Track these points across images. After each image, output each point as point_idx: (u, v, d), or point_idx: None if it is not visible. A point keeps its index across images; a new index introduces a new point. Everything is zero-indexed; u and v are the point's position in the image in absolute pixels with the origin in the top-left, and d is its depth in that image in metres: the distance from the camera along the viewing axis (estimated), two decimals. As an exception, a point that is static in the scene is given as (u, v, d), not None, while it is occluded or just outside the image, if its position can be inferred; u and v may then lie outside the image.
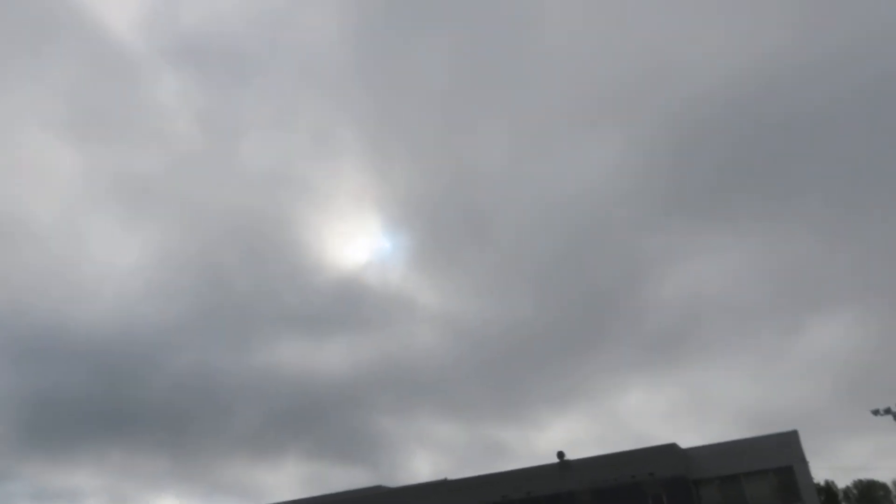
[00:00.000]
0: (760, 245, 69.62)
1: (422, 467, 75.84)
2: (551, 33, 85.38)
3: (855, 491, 61.30)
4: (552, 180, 79.28)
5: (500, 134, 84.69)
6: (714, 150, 77.31)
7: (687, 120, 78.01)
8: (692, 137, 77.61)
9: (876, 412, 33.00)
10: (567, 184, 79.05)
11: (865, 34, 74.54)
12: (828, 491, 57.73)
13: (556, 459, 30.09)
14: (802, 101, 73.22)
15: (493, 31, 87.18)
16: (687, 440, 47.09)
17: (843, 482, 61.50)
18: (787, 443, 27.04)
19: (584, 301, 72.51)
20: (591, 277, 72.09)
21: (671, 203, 74.38)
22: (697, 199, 75.49)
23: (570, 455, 30.07)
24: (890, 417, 32.47)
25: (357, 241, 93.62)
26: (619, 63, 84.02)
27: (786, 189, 70.64)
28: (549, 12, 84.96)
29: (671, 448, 27.98)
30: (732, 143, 76.14)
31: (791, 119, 72.16)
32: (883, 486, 60.16)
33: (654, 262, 70.42)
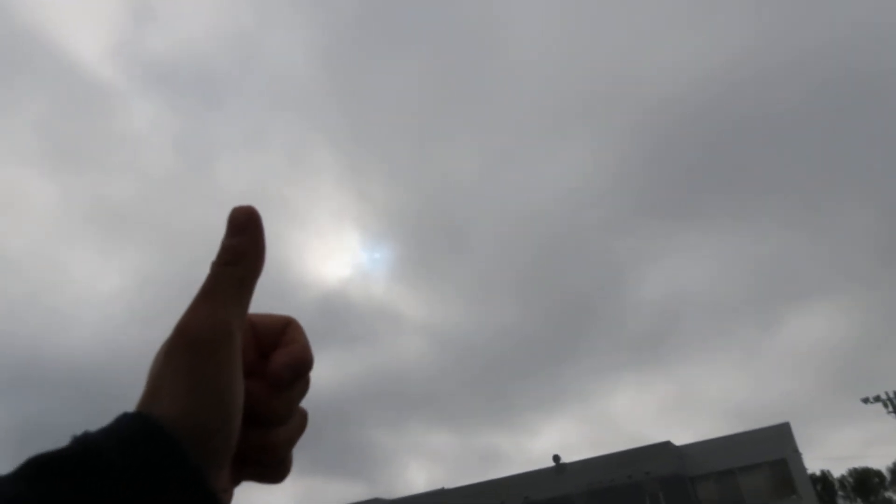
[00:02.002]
0: (735, 242, 70.29)
1: (417, 478, 75.53)
2: (518, 46, 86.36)
3: (850, 479, 61.73)
4: (526, 188, 79.98)
5: (473, 146, 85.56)
6: (684, 151, 78.29)
7: (656, 123, 79.02)
8: (662, 139, 78.57)
9: (865, 400, 33.35)
10: (541, 191, 79.74)
11: (828, 35, 76.09)
12: (824, 481, 58.10)
13: (551, 463, 30.12)
14: (768, 101, 74.23)
15: (461, 46, 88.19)
16: (680, 438, 47.32)
17: (837, 471, 61.96)
18: (780, 435, 27.26)
19: (565, 305, 72.90)
20: (569, 282, 72.52)
21: (644, 205, 75.15)
22: (670, 200, 76.25)
23: (565, 458, 30.14)
24: (879, 405, 32.83)
25: (338, 257, 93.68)
26: (587, 70, 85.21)
27: (757, 186, 71.41)
28: (515, 26, 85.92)
29: (666, 446, 28.09)
30: (702, 143, 77.20)
31: (758, 118, 73.13)
32: (878, 473, 60.65)
33: (630, 263, 70.97)
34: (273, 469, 0.47)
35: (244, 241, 0.44)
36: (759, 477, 26.71)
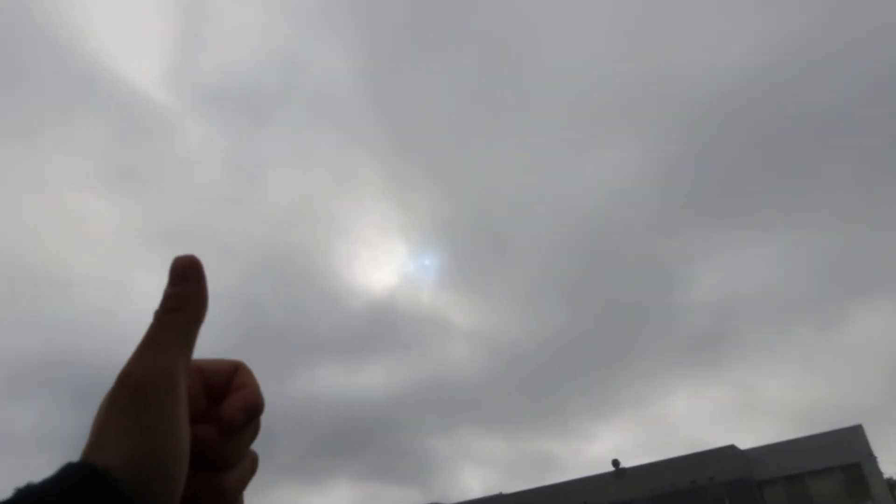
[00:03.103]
0: (792, 236, 67.48)
1: (472, 483, 75.34)
2: (558, 45, 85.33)
3: (927, 484, 58.70)
4: (571, 192, 79.03)
5: (515, 152, 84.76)
6: (735, 147, 75.40)
7: (705, 120, 76.66)
8: (712, 137, 76.13)
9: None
10: (586, 194, 78.54)
11: (885, 22, 72.72)
12: (898, 486, 55.42)
13: (609, 468, 29.62)
14: (824, 92, 70.88)
15: (498, 53, 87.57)
16: (743, 441, 45.85)
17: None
18: (852, 438, 26.15)
19: (614, 309, 71.29)
20: (618, 285, 70.93)
21: (693, 204, 73.04)
22: (721, 197, 73.55)
23: (624, 463, 29.59)
24: (959, 405, 31.15)
25: (385, 266, 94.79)
26: (631, 70, 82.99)
27: (814, 178, 68.48)
28: (553, 25, 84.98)
29: (730, 450, 27.28)
30: (754, 139, 74.18)
31: (814, 110, 70.04)
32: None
33: (680, 264, 68.96)
34: None
35: (186, 288, 0.45)
36: (831, 482, 25.68)
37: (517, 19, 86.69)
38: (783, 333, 66.61)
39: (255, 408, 0.46)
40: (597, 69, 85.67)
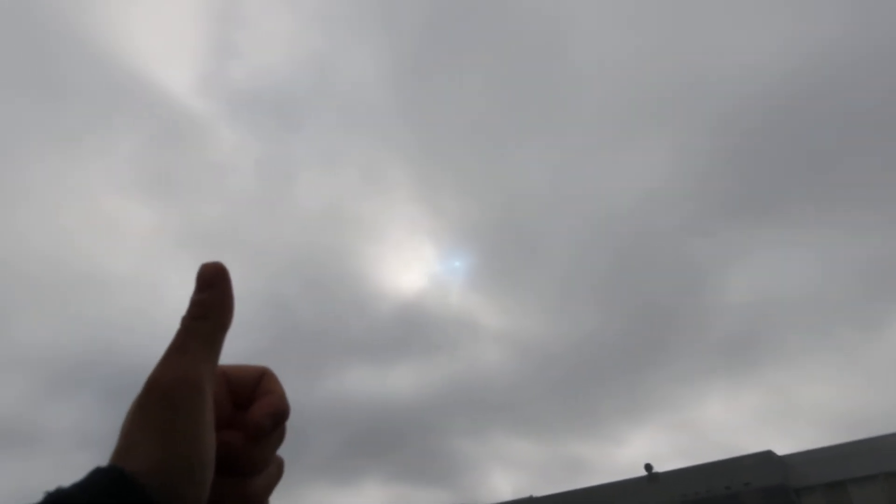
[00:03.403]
0: (828, 236, 65.62)
1: (502, 485, 75.19)
2: (587, 49, 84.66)
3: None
4: (602, 193, 78.07)
5: (545, 153, 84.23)
6: (770, 147, 73.63)
7: (740, 120, 74.66)
8: (747, 136, 73.95)
9: None
10: (618, 195, 77.36)
11: None
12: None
13: (642, 472, 29.19)
14: (860, 91, 68.65)
15: (527, 54, 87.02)
16: (781, 447, 44.78)
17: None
18: (896, 444, 25.34)
19: (646, 312, 70.11)
20: (650, 288, 69.76)
21: (727, 205, 71.42)
22: (756, 197, 71.55)
23: (657, 467, 29.12)
24: None
25: (414, 268, 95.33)
26: (663, 70, 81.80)
27: (851, 177, 66.38)
28: (583, 22, 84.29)
29: (767, 455, 26.65)
30: (789, 138, 72.41)
31: (851, 109, 68.18)
32: None
33: (714, 265, 67.67)
34: None
35: (213, 295, 0.45)
36: (874, 489, 24.90)
37: (546, 20, 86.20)
38: (822, 336, 64.88)
39: (281, 414, 0.47)
40: (628, 69, 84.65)
